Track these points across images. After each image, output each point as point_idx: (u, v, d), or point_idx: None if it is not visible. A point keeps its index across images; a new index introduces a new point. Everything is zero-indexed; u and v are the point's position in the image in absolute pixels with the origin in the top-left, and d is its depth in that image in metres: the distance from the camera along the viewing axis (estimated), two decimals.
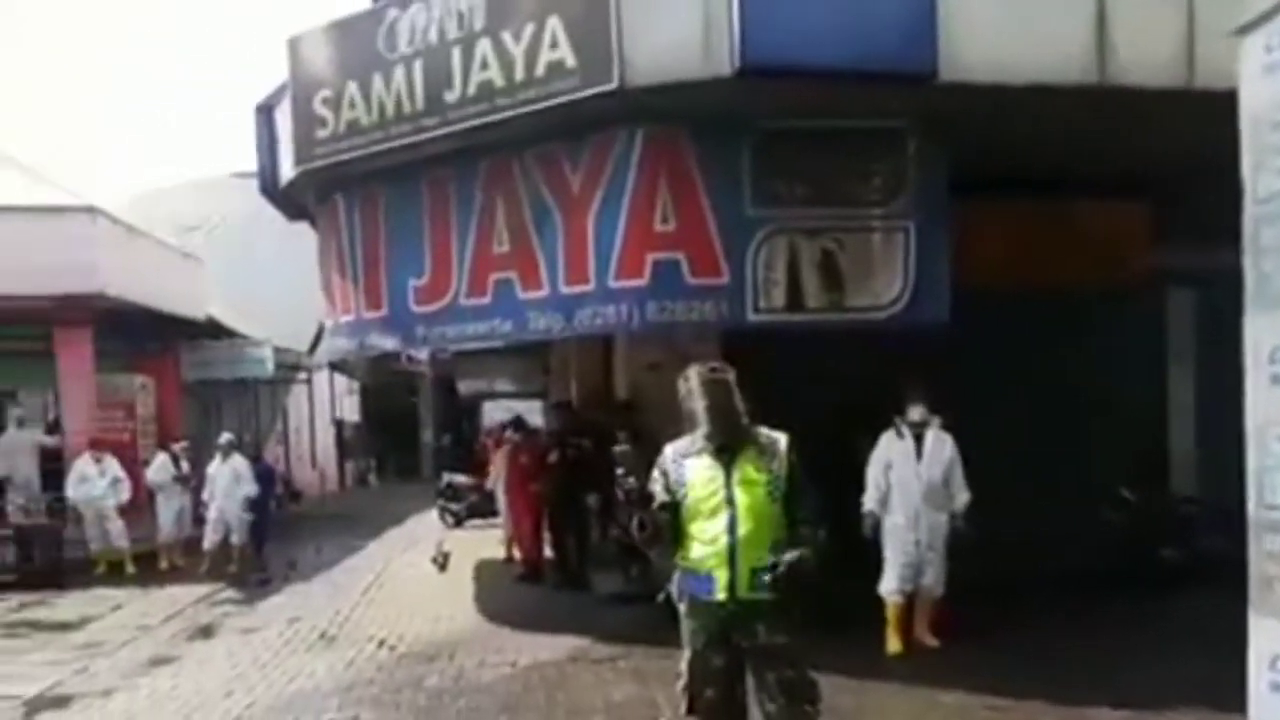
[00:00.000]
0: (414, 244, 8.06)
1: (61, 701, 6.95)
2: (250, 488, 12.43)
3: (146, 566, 12.48)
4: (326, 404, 27.15)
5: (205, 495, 12.59)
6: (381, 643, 8.33)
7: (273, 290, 18.80)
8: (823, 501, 3.90)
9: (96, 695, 7.07)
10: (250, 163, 9.92)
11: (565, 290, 7.26)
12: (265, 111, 9.29)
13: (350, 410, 29.56)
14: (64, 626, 9.61)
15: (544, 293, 7.37)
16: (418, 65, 7.30)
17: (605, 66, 6.39)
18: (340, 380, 27.62)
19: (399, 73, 7.38)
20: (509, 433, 12.74)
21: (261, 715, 6.47)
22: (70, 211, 12.52)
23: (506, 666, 7.28)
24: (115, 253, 12.84)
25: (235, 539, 12.36)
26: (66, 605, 10.62)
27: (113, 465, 12.56)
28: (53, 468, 13.28)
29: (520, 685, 6.82)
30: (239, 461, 12.58)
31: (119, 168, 63.07)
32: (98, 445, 12.62)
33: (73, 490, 12.41)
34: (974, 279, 7.22)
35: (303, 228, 10.80)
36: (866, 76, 6.24)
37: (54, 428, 13.99)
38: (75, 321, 12.80)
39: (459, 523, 15.92)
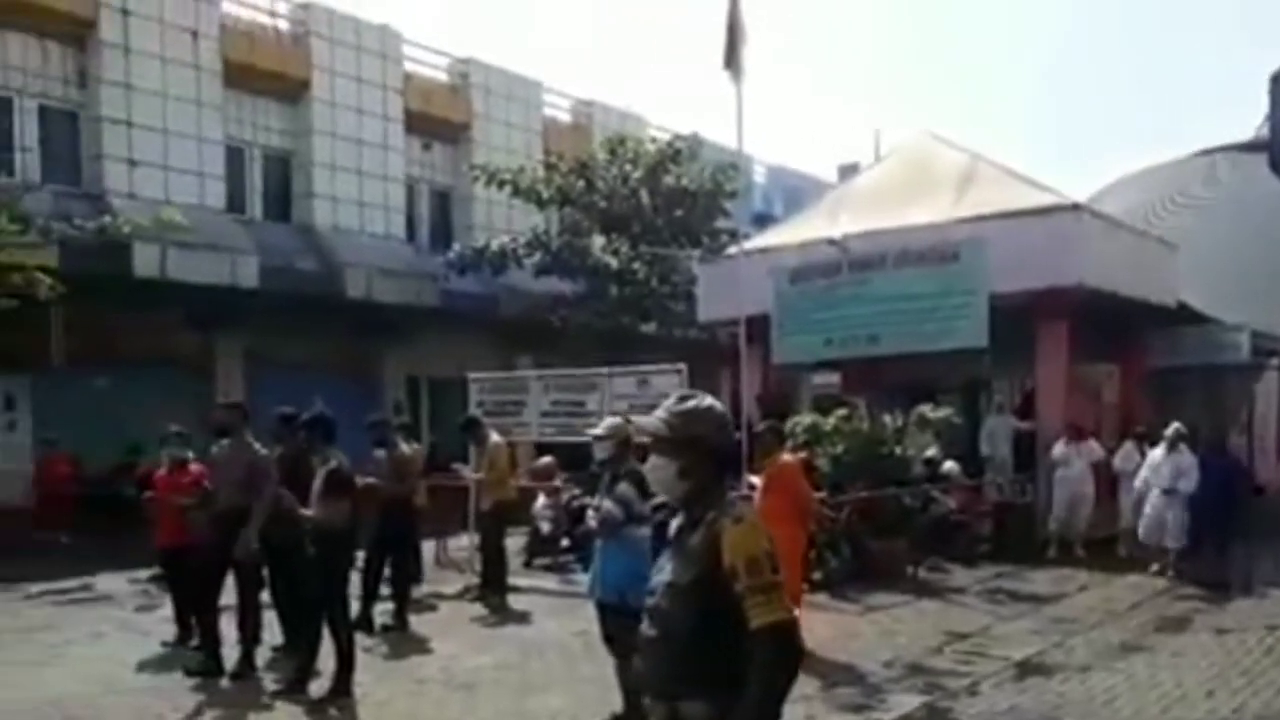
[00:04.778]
0: None
1: (1045, 670, 7.56)
2: (1188, 484, 11.49)
3: (1100, 552, 12.74)
4: None
5: (1137, 483, 12.16)
6: None
7: (1246, 271, 17.59)
8: None
9: (1075, 670, 7.53)
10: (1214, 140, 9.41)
11: None
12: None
13: None
14: (1036, 599, 10.35)
15: None
16: None
17: None
18: None
19: None
20: None
21: None
22: (1058, 211, 13.28)
23: None
24: (1095, 245, 13.27)
25: (1170, 541, 11.63)
26: (1037, 580, 11.41)
27: (1090, 450, 13.15)
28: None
29: None
30: (1184, 456, 11.70)
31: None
32: (1076, 431, 13.26)
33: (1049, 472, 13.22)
34: None
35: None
36: None
37: (1022, 412, 15.14)
38: (1054, 313, 13.60)
39: None
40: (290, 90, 19.35)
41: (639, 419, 3.09)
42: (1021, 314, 13.31)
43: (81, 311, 14.49)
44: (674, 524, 2.82)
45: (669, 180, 20.35)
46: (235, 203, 18.61)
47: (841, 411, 12.46)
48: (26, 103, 16.48)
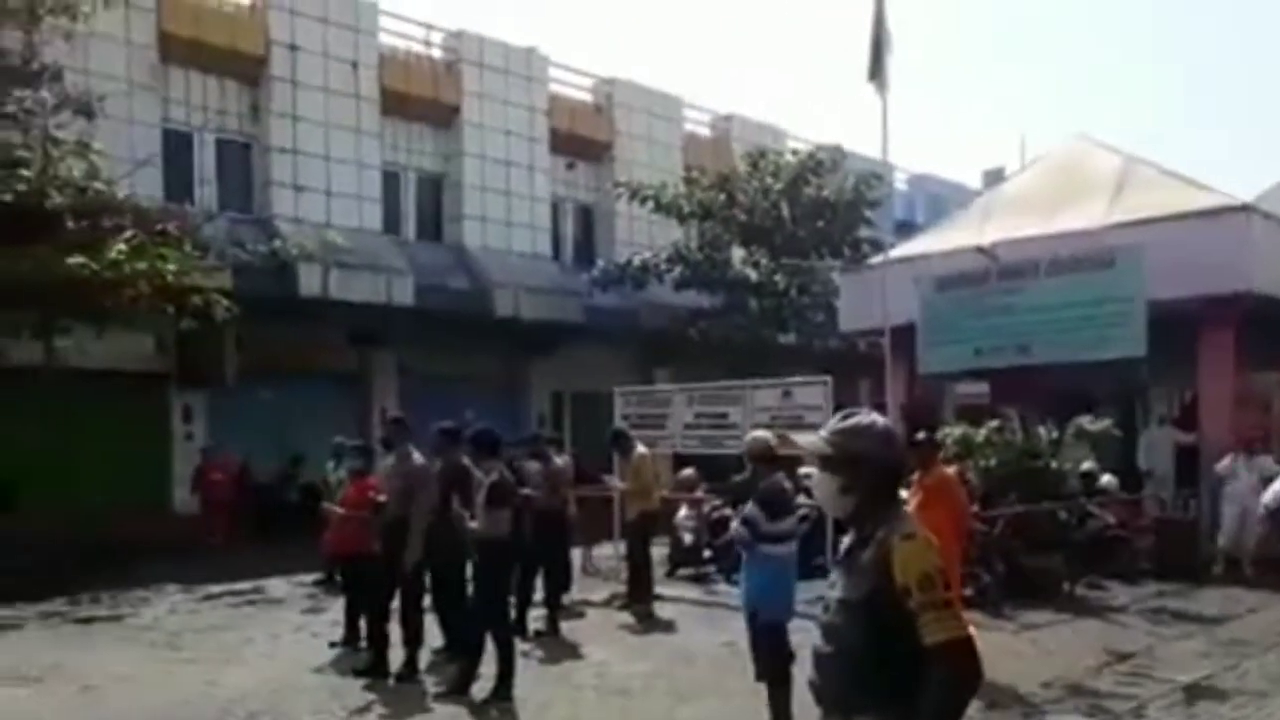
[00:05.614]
0: None
1: (1216, 694, 7.23)
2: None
3: (1271, 571, 11.99)
4: None
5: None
6: None
7: None
8: None
9: (1251, 695, 7.18)
10: None
11: None
12: None
13: None
14: (1203, 620, 9.86)
15: None
16: None
17: None
18: None
19: None
20: None
21: None
22: (1225, 213, 12.64)
23: None
24: (1265, 248, 12.57)
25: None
26: (1203, 599, 10.88)
27: (1261, 465, 12.43)
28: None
29: None
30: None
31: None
32: (1245, 444, 12.56)
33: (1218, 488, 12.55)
34: None
35: None
36: None
37: (1182, 423, 14.42)
38: (1219, 321, 12.92)
39: None
40: (442, 115, 20.16)
41: (801, 437, 3.16)
42: (1182, 321, 12.72)
43: (251, 330, 15.44)
44: (844, 541, 2.87)
45: (810, 191, 20.29)
46: (391, 224, 19.50)
47: (993, 423, 12.16)
48: (206, 137, 17.73)
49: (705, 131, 24.92)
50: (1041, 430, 12.32)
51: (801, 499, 7.77)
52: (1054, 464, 11.97)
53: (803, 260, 19.82)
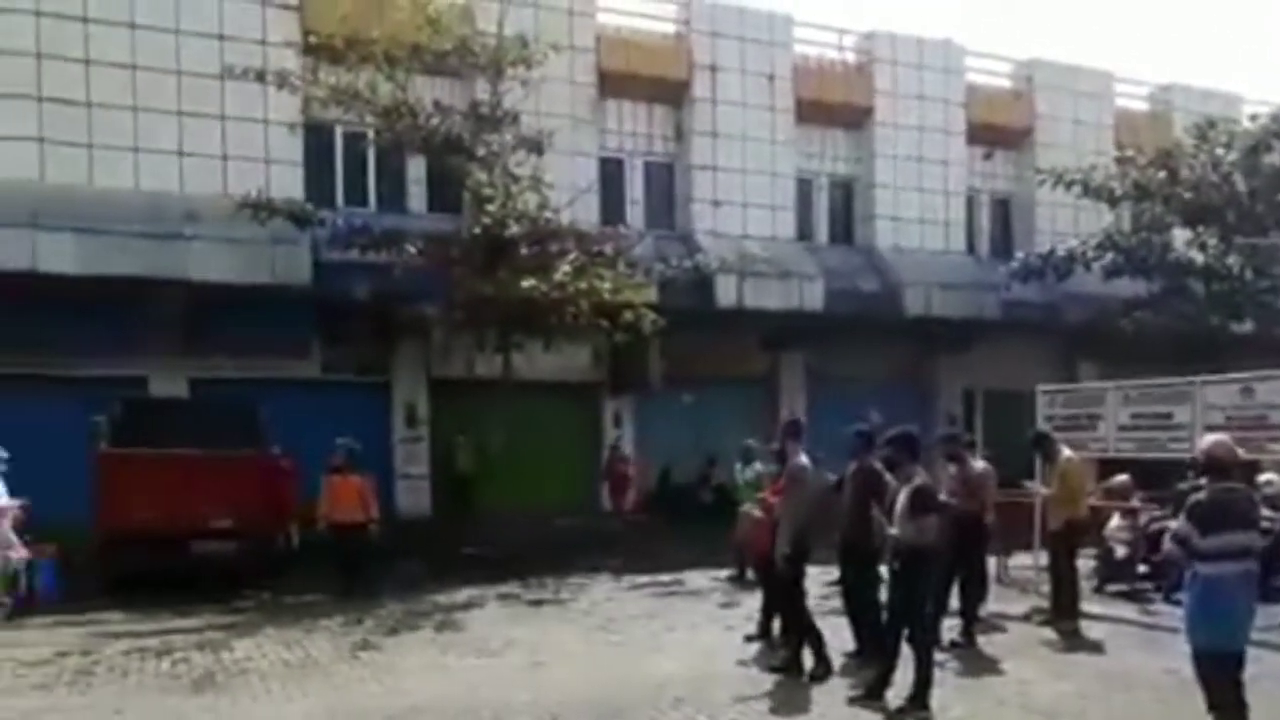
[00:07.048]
0: None
1: None
2: None
3: None
4: None
5: None
6: None
7: None
8: None
9: None
10: None
11: None
12: None
13: None
14: None
15: None
16: None
17: None
18: None
19: None
20: None
21: None
22: None
23: None
24: None
25: None
26: None
27: None
28: None
29: None
30: None
31: None
32: None
33: None
34: None
35: None
36: None
37: None
38: None
39: None
40: (854, 117, 20.26)
41: None
42: None
43: (673, 340, 16.50)
44: None
45: (1272, 160, 17.87)
46: (804, 230, 19.90)
47: None
48: (635, 161, 19.23)
49: (1141, 106, 22.81)
50: None
51: (1266, 511, 6.88)
52: None
53: (1262, 239, 17.46)
